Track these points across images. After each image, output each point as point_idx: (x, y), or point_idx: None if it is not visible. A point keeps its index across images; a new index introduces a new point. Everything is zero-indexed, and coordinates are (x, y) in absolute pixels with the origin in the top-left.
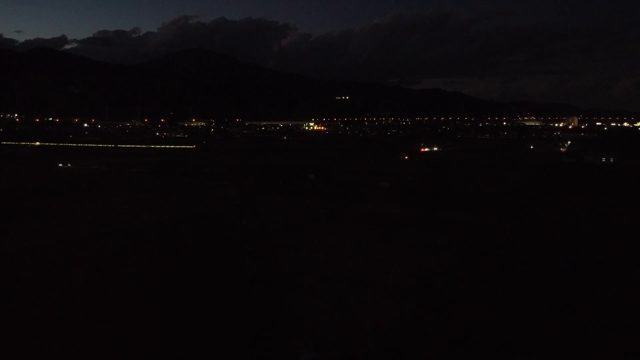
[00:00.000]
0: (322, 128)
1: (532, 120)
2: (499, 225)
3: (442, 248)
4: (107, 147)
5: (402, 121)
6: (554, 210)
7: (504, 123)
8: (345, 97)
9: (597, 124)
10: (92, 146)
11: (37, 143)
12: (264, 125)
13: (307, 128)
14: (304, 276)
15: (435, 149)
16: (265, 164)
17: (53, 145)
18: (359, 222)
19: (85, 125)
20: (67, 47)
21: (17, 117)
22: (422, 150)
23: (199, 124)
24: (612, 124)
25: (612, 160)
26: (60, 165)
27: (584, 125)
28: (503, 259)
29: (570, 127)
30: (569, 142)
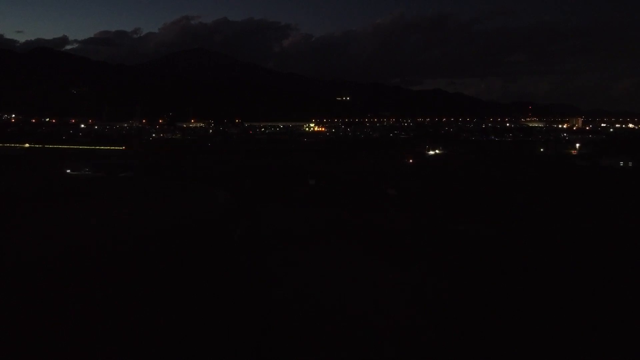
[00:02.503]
0: (323, 129)
1: (534, 121)
2: (521, 242)
3: (461, 271)
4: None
5: (404, 122)
6: (583, 222)
7: (507, 124)
8: (346, 98)
9: (602, 125)
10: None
11: (27, 145)
12: (263, 126)
13: (307, 129)
14: (301, 315)
15: (440, 151)
16: (263, 167)
17: (40, 147)
18: (365, 238)
19: (82, 126)
20: (68, 47)
21: (13, 117)
22: (427, 152)
23: (198, 125)
24: (616, 125)
25: (630, 164)
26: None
27: (589, 126)
28: (524, 288)
29: (574, 128)
30: (577, 145)
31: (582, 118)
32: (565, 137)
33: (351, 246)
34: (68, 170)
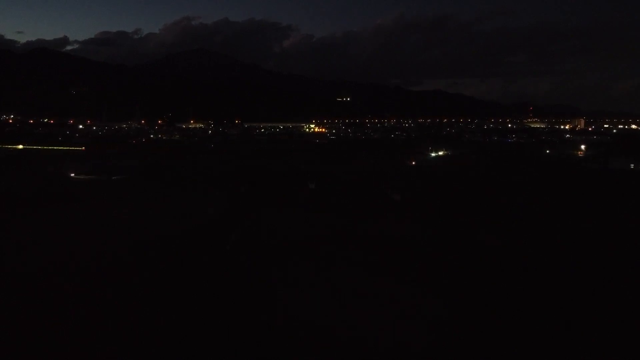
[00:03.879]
0: (323, 130)
1: (536, 121)
2: (545, 258)
3: (480, 292)
4: None
5: (405, 123)
6: (616, 235)
7: (509, 125)
8: (346, 99)
9: (605, 126)
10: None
11: (20, 146)
12: (263, 127)
13: (307, 130)
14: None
15: (444, 152)
16: (260, 170)
17: (34, 148)
18: (370, 248)
19: (81, 126)
20: (69, 47)
21: (11, 118)
22: (430, 154)
23: (197, 125)
24: (619, 126)
25: None
26: None
27: (591, 127)
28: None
29: (577, 128)
30: (583, 146)
31: (584, 119)
32: (569, 138)
33: (354, 259)
34: (72, 175)
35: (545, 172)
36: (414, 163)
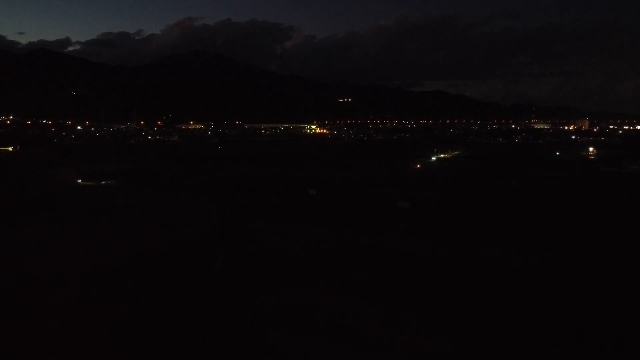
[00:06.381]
0: (325, 131)
1: (539, 122)
2: (579, 277)
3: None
4: None
5: (407, 124)
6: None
7: (512, 126)
8: (347, 99)
9: (610, 127)
10: None
11: (10, 148)
12: (264, 128)
13: (308, 131)
14: None
15: (449, 154)
16: (258, 175)
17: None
18: (377, 267)
19: (79, 127)
20: (70, 48)
21: (9, 119)
22: (435, 156)
23: (197, 127)
24: (624, 127)
25: None
26: None
27: (595, 128)
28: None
29: (582, 129)
30: (591, 148)
31: (587, 119)
32: (575, 139)
33: (361, 282)
34: (79, 181)
35: (563, 177)
36: (418, 166)
